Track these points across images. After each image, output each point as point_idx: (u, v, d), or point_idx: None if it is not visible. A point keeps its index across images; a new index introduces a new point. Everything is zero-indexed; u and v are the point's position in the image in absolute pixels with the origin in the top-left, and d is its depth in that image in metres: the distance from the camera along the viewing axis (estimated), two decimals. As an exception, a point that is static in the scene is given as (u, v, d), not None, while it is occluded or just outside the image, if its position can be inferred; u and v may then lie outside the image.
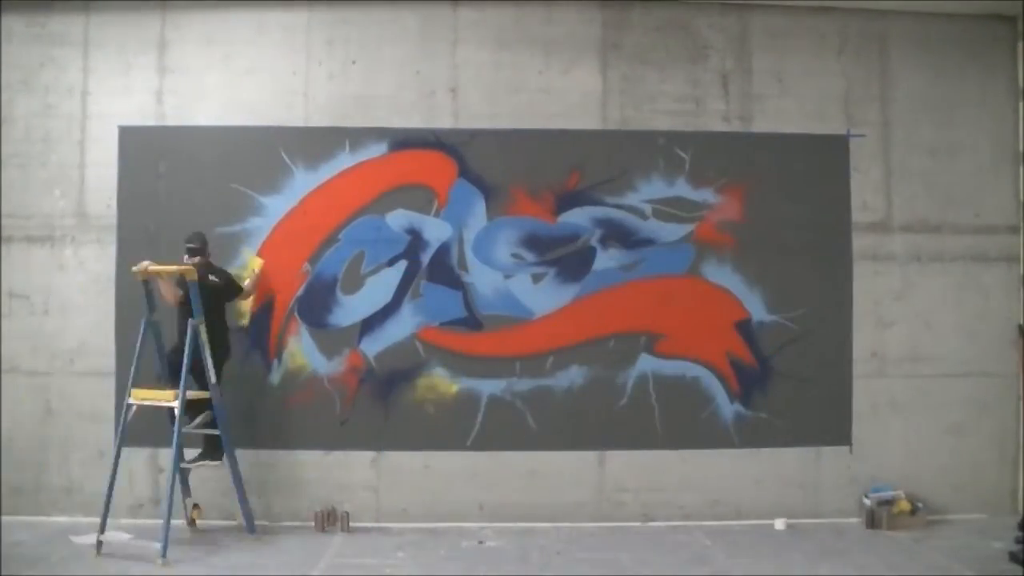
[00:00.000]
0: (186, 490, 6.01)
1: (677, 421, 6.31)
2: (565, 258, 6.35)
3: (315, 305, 6.31)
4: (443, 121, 6.38)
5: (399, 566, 5.35)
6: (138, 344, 5.72)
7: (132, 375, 5.69)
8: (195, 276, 5.69)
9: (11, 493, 6.18)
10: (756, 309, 6.38)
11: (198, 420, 5.87)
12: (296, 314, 6.29)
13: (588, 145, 6.37)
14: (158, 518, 5.66)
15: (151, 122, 6.36)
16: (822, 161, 6.46)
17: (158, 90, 6.37)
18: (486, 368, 6.28)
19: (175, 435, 5.54)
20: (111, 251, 6.30)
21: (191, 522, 6.02)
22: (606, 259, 6.35)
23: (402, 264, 6.32)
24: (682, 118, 6.42)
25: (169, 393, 5.61)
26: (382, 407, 6.28)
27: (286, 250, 6.30)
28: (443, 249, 6.33)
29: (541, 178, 6.35)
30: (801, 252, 6.39)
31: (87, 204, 6.33)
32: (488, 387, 6.28)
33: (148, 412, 6.18)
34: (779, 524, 6.17)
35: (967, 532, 6.01)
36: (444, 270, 6.32)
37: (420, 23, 6.41)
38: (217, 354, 5.80)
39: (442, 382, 6.27)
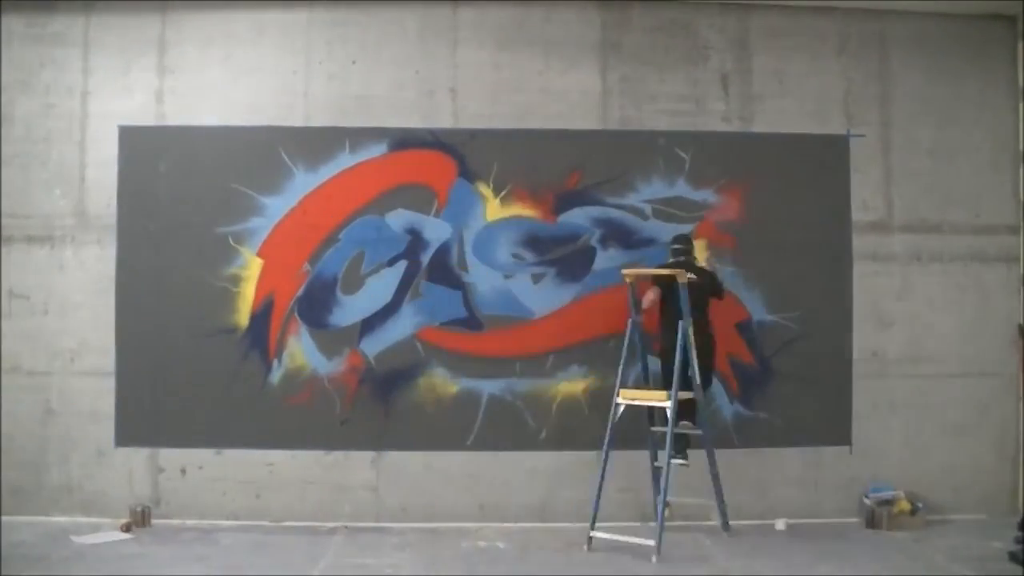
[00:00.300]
0: (657, 489, 5.95)
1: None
2: (565, 258, 6.35)
3: (315, 305, 6.31)
4: (443, 121, 6.38)
5: (399, 566, 5.35)
6: (624, 345, 5.82)
7: (619, 376, 5.78)
8: (685, 279, 5.70)
9: (11, 493, 6.17)
10: (756, 309, 6.38)
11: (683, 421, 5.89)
12: (296, 314, 6.29)
13: (588, 145, 6.37)
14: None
15: (151, 122, 6.36)
16: (822, 161, 6.46)
17: (158, 90, 6.37)
18: (486, 368, 6.28)
19: (669, 436, 5.56)
20: (111, 251, 6.29)
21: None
22: (606, 259, 6.35)
23: (402, 264, 6.32)
24: (682, 118, 6.42)
25: (661, 394, 5.68)
26: (382, 407, 6.28)
27: (286, 250, 6.30)
28: (443, 249, 6.33)
29: (541, 178, 6.35)
30: (801, 252, 6.39)
31: (87, 204, 6.33)
32: (488, 387, 6.28)
33: (148, 412, 6.22)
34: (779, 524, 6.17)
35: (967, 532, 6.01)
36: (444, 270, 6.32)
37: (420, 23, 6.41)
38: (703, 355, 5.82)
39: (442, 382, 6.27)
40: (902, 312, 6.45)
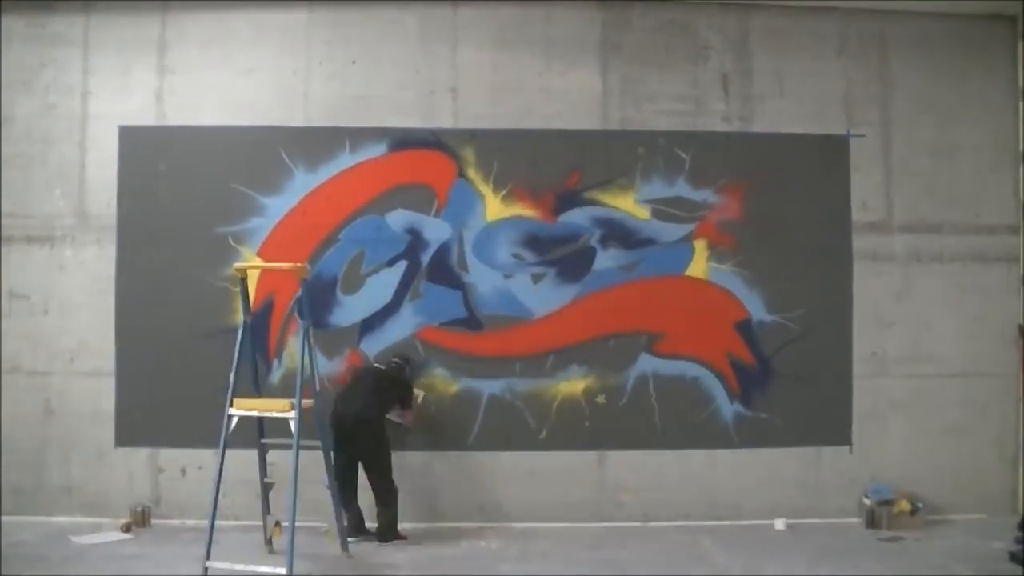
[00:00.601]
0: (267, 507, 5.58)
1: (677, 421, 6.30)
2: (565, 258, 6.35)
3: (315, 305, 6.30)
4: (443, 121, 6.38)
5: (399, 566, 5.35)
6: (236, 349, 5.29)
7: (232, 384, 5.20)
8: (307, 275, 5.43)
9: (11, 493, 6.17)
10: (756, 309, 6.38)
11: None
12: (296, 314, 6.29)
13: (588, 145, 6.37)
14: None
15: (151, 122, 6.36)
16: (822, 161, 6.46)
17: (158, 90, 6.37)
18: (486, 368, 6.28)
19: (295, 450, 5.05)
20: (111, 251, 6.30)
21: (268, 541, 5.58)
22: (606, 259, 6.35)
23: (402, 264, 6.32)
24: (682, 118, 6.42)
25: (285, 403, 5.16)
26: (382, 407, 6.27)
27: (286, 250, 6.30)
28: (443, 249, 6.33)
29: (541, 178, 6.35)
30: (801, 252, 6.40)
31: (87, 204, 6.33)
32: (488, 387, 6.29)
33: (148, 412, 6.22)
34: (779, 524, 6.17)
35: (967, 532, 6.01)
36: (444, 270, 6.33)
37: (420, 23, 6.41)
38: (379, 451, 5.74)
39: (442, 382, 6.27)
40: (902, 312, 6.45)
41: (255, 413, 5.26)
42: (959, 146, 6.51)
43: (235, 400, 5.19)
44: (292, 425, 5.07)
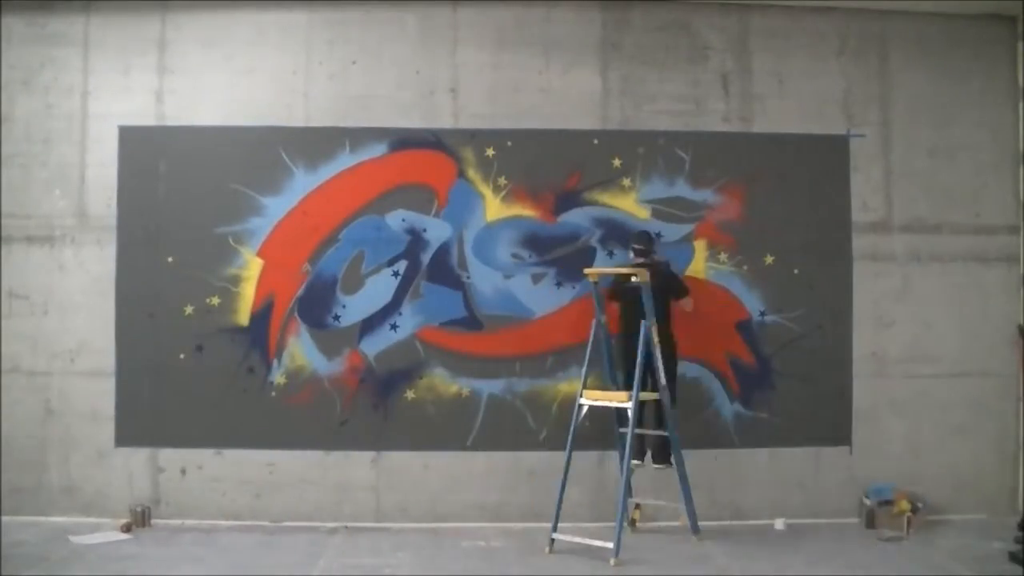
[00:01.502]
0: (629, 491, 5.91)
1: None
2: (565, 258, 6.34)
3: (315, 305, 6.31)
4: (443, 121, 6.38)
5: (399, 566, 5.35)
6: (588, 346, 5.80)
7: (584, 376, 5.76)
8: (647, 278, 5.66)
9: (11, 493, 6.17)
10: (756, 309, 6.38)
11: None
12: (296, 314, 6.30)
13: (588, 145, 6.37)
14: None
15: (151, 122, 6.36)
16: (822, 161, 6.46)
17: (158, 90, 6.37)
18: (486, 368, 6.28)
19: (628, 436, 5.55)
20: (111, 251, 6.29)
21: (632, 523, 6.04)
22: (606, 259, 6.35)
23: (402, 264, 6.33)
24: (682, 118, 6.42)
25: (622, 395, 5.64)
26: (382, 407, 6.28)
27: (286, 250, 6.30)
28: (443, 249, 6.33)
29: (541, 178, 6.35)
30: (801, 252, 6.39)
31: (87, 204, 6.33)
32: (488, 387, 6.29)
33: (148, 412, 6.22)
34: (779, 524, 6.17)
35: (967, 532, 6.01)
36: (444, 270, 6.33)
37: (420, 23, 6.41)
38: (665, 354, 5.79)
39: (442, 382, 6.28)
40: (902, 312, 6.45)
41: (601, 403, 5.75)
42: (959, 146, 6.51)
43: (584, 392, 5.75)
44: (629, 413, 5.52)
